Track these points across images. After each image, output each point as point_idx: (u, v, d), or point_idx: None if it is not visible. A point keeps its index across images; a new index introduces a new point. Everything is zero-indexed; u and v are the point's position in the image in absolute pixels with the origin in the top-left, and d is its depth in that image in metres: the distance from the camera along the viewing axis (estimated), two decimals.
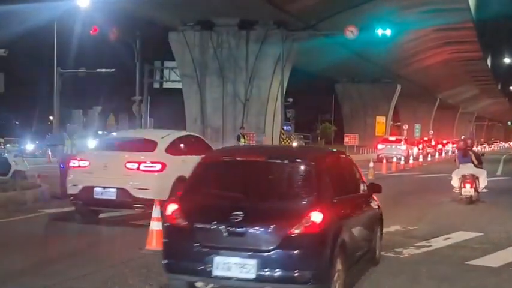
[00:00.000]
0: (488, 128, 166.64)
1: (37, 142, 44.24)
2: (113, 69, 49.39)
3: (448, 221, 14.31)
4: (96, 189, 12.56)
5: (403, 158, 41.92)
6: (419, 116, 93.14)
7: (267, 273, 6.75)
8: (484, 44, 66.61)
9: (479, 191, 18.19)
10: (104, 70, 50.01)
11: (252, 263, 6.75)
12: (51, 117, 55.91)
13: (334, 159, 8.69)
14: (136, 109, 43.98)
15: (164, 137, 13.83)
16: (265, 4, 35.00)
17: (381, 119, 64.43)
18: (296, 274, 6.78)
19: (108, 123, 56.75)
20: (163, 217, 7.80)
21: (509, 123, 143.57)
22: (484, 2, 54.12)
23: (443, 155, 61.91)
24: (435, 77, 77.72)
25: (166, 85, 49.37)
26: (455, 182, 18.35)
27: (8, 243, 10.42)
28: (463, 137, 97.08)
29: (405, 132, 74.14)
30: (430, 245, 10.94)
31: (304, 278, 6.79)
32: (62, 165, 16.51)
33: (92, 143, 43.51)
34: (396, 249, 10.39)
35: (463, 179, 17.95)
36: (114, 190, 12.47)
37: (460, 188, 17.97)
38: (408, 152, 47.56)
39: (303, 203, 7.13)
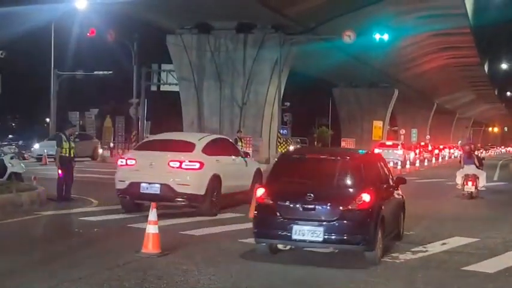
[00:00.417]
0: (484, 134, 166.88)
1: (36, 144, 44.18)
2: (110, 72, 49.42)
3: (444, 226, 14.32)
4: (143, 184, 14.28)
5: (399, 163, 42.00)
6: (416, 121, 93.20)
7: (331, 237, 9.53)
8: (482, 50, 66.70)
9: (479, 188, 21.22)
10: (101, 72, 50.06)
11: (320, 229, 9.54)
12: (47, 119, 55.86)
13: (373, 158, 12.20)
14: (133, 112, 43.94)
15: (200, 139, 15.75)
16: (263, 8, 35.00)
17: (378, 124, 64.44)
18: (351, 238, 9.53)
19: (104, 126, 56.75)
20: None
21: (505, 128, 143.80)
22: (481, 7, 54.22)
23: (440, 160, 62.00)
24: (432, 82, 77.81)
25: (163, 88, 49.31)
26: (459, 179, 21.53)
27: (3, 245, 10.40)
28: (459, 142, 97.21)
29: (402, 137, 74.19)
30: (426, 250, 10.95)
31: (357, 240, 9.55)
32: (61, 169, 16.47)
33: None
34: (392, 254, 10.39)
35: (466, 177, 21.08)
36: (158, 186, 14.18)
37: (463, 185, 21.10)
38: (405, 156, 47.58)
39: (356, 187, 9.94)
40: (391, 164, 40.27)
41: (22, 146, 37.71)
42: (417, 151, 59.38)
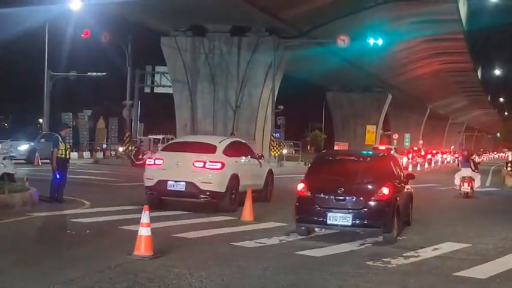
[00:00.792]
0: (477, 139, 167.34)
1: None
2: (104, 73, 49.36)
3: (436, 231, 14.35)
4: (169, 182, 15.87)
5: None
6: (409, 126, 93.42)
7: (357, 222, 12.07)
8: (475, 56, 66.97)
9: (474, 189, 24.23)
10: (94, 74, 49.99)
11: (349, 216, 12.09)
12: (40, 120, 55.74)
13: (389, 158, 14.61)
14: (126, 113, 43.89)
15: (221, 141, 17.39)
16: (258, 11, 35.03)
17: (371, 128, 64.57)
18: (373, 222, 12.10)
19: (98, 127, 56.66)
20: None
21: (498, 134, 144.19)
22: (475, 14, 54.39)
23: (432, 165, 62.13)
24: (426, 87, 78.02)
25: (157, 90, 49.32)
26: (456, 180, 24.44)
27: None
28: (452, 147, 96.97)
29: (395, 141, 74.34)
30: (418, 255, 10.95)
31: (378, 224, 12.11)
32: (57, 170, 16.39)
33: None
34: (384, 259, 10.39)
35: (463, 179, 24.10)
36: (183, 183, 15.79)
37: (460, 186, 24.12)
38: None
39: (377, 182, 12.48)
40: None
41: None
42: (410, 156, 59.52)
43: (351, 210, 12.24)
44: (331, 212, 12.27)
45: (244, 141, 19.65)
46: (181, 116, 41.88)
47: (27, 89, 62.04)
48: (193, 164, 15.91)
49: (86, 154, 47.78)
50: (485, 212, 19.92)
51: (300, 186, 12.82)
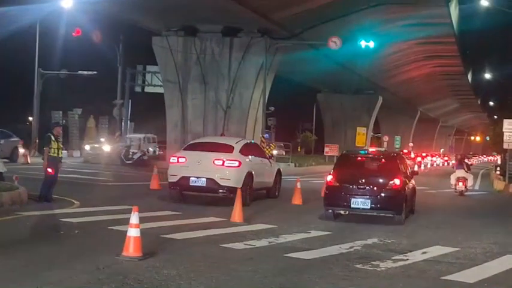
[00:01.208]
0: (467, 142, 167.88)
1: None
2: (95, 72, 49.21)
3: (425, 235, 14.40)
4: (192, 178, 17.70)
5: None
6: (399, 128, 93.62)
7: (375, 206, 15.71)
8: (466, 59, 67.21)
9: (467, 187, 28.26)
10: (85, 72, 49.82)
11: (368, 201, 15.69)
12: (30, 118, 55.51)
13: (398, 157, 18.42)
14: (117, 113, 43.84)
15: (237, 142, 19.48)
16: (250, 12, 35.00)
17: (361, 130, 64.60)
18: (387, 206, 15.80)
19: (88, 126, 56.45)
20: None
21: (487, 138, 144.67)
22: (466, 17, 54.62)
23: (422, 167, 62.29)
24: (416, 90, 78.21)
25: (148, 89, 49.22)
26: (452, 180, 28.60)
27: None
28: (442, 150, 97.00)
29: (385, 143, 74.47)
30: (407, 259, 10.98)
31: (391, 208, 15.80)
32: (50, 170, 16.33)
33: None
34: (373, 262, 10.42)
35: (457, 179, 28.21)
36: (204, 179, 17.63)
37: (455, 185, 28.23)
38: None
39: (390, 175, 16.10)
40: None
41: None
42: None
43: (369, 197, 15.86)
44: (354, 198, 15.85)
45: (257, 142, 22.10)
46: (171, 115, 41.79)
47: (17, 87, 61.79)
48: (213, 162, 17.78)
49: (76, 153, 47.60)
50: (474, 215, 20.03)
51: (329, 177, 16.48)
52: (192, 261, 9.68)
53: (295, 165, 47.73)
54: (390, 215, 16.00)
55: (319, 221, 15.75)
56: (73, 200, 16.69)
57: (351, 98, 70.64)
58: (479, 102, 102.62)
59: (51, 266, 8.97)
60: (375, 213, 16.11)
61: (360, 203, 15.76)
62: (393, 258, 10.96)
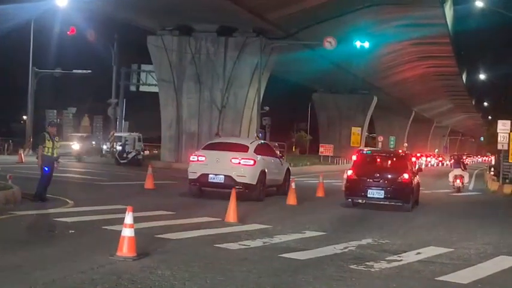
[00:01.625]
0: (461, 143, 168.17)
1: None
2: (90, 71, 49.15)
3: (419, 235, 14.41)
4: (210, 175, 19.45)
5: None
6: (394, 128, 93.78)
7: (387, 196, 19.21)
8: (460, 60, 67.34)
9: (463, 184, 32.29)
10: (80, 71, 49.75)
11: (382, 192, 19.19)
12: (24, 117, 55.42)
13: (407, 156, 22.23)
14: (111, 112, 43.77)
15: (251, 142, 21.44)
16: (245, 12, 35.02)
17: (356, 130, 64.72)
18: (398, 196, 19.32)
19: (82, 125, 56.44)
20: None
21: (481, 138, 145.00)
22: (461, 18, 54.73)
23: (416, 167, 62.21)
24: (411, 90, 78.34)
25: (142, 88, 49.19)
26: (450, 178, 32.26)
27: None
28: (436, 150, 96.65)
29: (380, 144, 74.57)
30: (401, 259, 10.97)
31: (401, 198, 19.29)
32: (46, 168, 16.27)
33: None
34: (367, 263, 10.41)
35: (455, 177, 31.91)
36: (222, 176, 19.37)
37: (453, 182, 31.83)
38: None
39: (401, 170, 19.67)
40: None
41: None
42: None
43: (383, 188, 19.43)
44: (370, 189, 19.47)
45: (268, 143, 23.95)
46: (166, 115, 41.77)
47: (12, 86, 61.65)
48: (230, 160, 19.51)
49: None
50: (468, 216, 20.06)
51: (349, 172, 20.12)
52: (186, 262, 9.65)
53: (290, 165, 47.67)
54: (400, 204, 19.65)
55: (313, 221, 15.75)
56: (67, 200, 16.65)
57: (346, 98, 70.75)
58: (473, 102, 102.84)
59: (45, 265, 8.94)
60: (387, 202, 19.76)
61: (375, 193, 19.43)
62: (387, 258, 10.96)
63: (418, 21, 45.20)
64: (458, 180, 31.59)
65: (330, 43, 37.04)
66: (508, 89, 63.36)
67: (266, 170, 20.33)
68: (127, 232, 9.55)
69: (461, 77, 76.75)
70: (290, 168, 24.30)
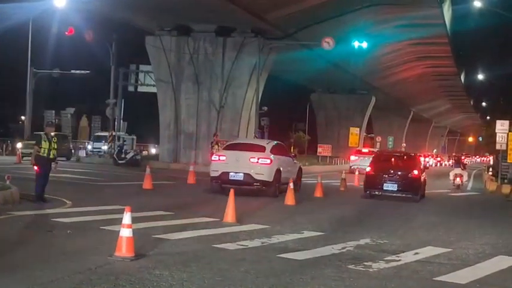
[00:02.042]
0: (459, 143, 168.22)
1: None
2: (88, 71, 49.13)
3: (417, 236, 14.41)
4: (231, 173, 21.10)
5: None
6: (392, 128, 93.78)
7: (400, 189, 23.25)
8: (458, 60, 67.37)
9: (463, 182, 35.24)
10: (78, 71, 49.72)
11: (395, 185, 23.23)
12: (22, 117, 55.38)
13: (416, 156, 27.58)
14: (109, 112, 43.73)
15: (268, 143, 22.98)
16: (243, 12, 35.00)
17: (354, 130, 64.68)
18: (409, 189, 23.37)
19: (80, 125, 56.36)
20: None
21: (480, 138, 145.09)
22: (459, 18, 54.75)
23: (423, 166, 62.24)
24: (410, 90, 78.35)
25: (140, 89, 49.17)
26: (451, 176, 35.30)
27: None
28: (435, 150, 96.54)
29: (378, 144, 74.55)
30: (399, 260, 10.97)
31: (411, 190, 23.42)
32: (35, 167, 16.25)
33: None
34: (365, 263, 10.41)
35: (455, 175, 34.87)
36: (242, 174, 21.03)
37: (453, 180, 34.76)
38: None
39: (411, 167, 23.96)
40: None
41: None
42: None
43: (396, 182, 23.29)
44: (386, 183, 23.30)
45: (282, 143, 25.30)
46: (165, 115, 41.76)
47: (10, 86, 61.58)
48: (249, 159, 21.09)
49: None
50: (466, 216, 20.06)
51: (368, 169, 24.37)
52: (184, 262, 9.65)
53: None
54: (410, 195, 23.45)
55: (312, 221, 15.75)
56: (65, 200, 16.63)
57: (344, 98, 70.77)
58: (471, 103, 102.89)
59: (43, 266, 8.93)
60: (399, 194, 23.46)
61: (390, 186, 23.25)
62: (385, 258, 10.96)
63: (417, 21, 45.23)
64: (458, 179, 34.53)
65: (328, 43, 37.04)
66: (507, 89, 63.42)
67: (281, 169, 21.86)
68: (125, 232, 9.54)
69: (460, 77, 76.78)
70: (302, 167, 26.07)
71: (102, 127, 54.33)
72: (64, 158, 38.41)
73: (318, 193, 23.27)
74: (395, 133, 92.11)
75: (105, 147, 46.12)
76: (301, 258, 10.57)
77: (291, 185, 20.01)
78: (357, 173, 36.12)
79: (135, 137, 43.74)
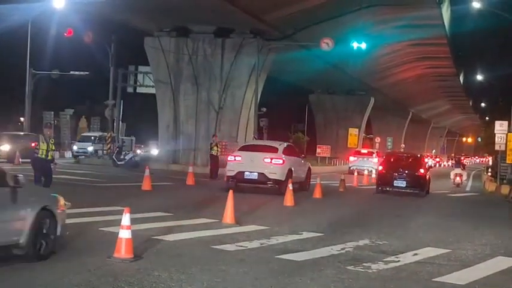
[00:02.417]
0: (458, 143, 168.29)
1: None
2: (87, 72, 49.07)
3: (416, 236, 14.40)
4: (246, 172, 22.62)
5: (374, 171, 42.08)
6: (391, 129, 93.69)
7: (408, 185, 26.88)
8: (457, 61, 67.38)
9: (462, 181, 38.49)
10: (77, 73, 49.67)
11: (404, 182, 26.91)
12: (21, 119, 55.35)
13: (422, 157, 33.04)
14: (108, 113, 43.70)
15: (280, 144, 24.43)
16: (242, 13, 34.98)
17: (353, 131, 64.61)
18: (416, 185, 27.05)
19: (79, 127, 56.29)
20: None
21: (479, 139, 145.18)
22: (458, 19, 54.76)
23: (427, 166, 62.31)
24: (408, 91, 78.33)
25: (139, 90, 49.08)
26: (452, 176, 38.72)
27: None
28: (433, 151, 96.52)
29: (377, 144, 74.51)
30: (399, 260, 10.97)
31: (418, 186, 27.08)
32: (39, 170, 16.21)
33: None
34: (365, 264, 10.41)
35: (456, 175, 38.09)
36: (256, 173, 22.54)
37: (454, 179, 37.97)
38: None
39: (418, 166, 28.00)
40: (366, 172, 40.48)
41: None
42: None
43: (405, 179, 26.71)
44: (396, 180, 26.73)
45: (292, 145, 27.62)
46: (163, 116, 41.72)
47: (8, 87, 61.56)
48: (263, 160, 22.64)
49: (68, 154, 47.46)
50: (465, 217, 20.07)
51: (380, 167, 28.60)
52: (184, 263, 9.64)
53: None
54: (417, 191, 26.75)
55: (311, 222, 15.75)
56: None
57: (343, 99, 70.76)
58: (470, 103, 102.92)
59: (42, 267, 8.92)
60: (407, 190, 26.83)
61: (399, 183, 26.74)
62: (385, 259, 10.95)
63: (416, 22, 45.22)
64: (458, 178, 37.85)
65: (327, 44, 37.03)
66: (506, 90, 63.43)
67: (292, 168, 23.32)
68: (124, 234, 9.53)
69: (459, 78, 76.79)
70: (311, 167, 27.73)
71: (101, 128, 54.28)
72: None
73: (317, 194, 23.27)
74: (394, 134, 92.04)
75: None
76: (300, 259, 10.57)
77: (290, 185, 20.01)
78: (355, 173, 36.10)
79: (134, 138, 43.70)
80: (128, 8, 36.11)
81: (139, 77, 48.17)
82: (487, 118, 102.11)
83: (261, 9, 35.55)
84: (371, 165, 45.83)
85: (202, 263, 9.74)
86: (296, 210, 18.48)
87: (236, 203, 14.96)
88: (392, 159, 29.74)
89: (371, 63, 53.74)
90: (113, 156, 39.25)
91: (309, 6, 35.97)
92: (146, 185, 22.12)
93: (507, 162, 34.44)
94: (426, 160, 69.33)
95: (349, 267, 10.06)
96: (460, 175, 37.99)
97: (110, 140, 43.40)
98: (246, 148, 24.60)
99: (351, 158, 49.80)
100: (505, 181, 34.78)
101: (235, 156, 23.34)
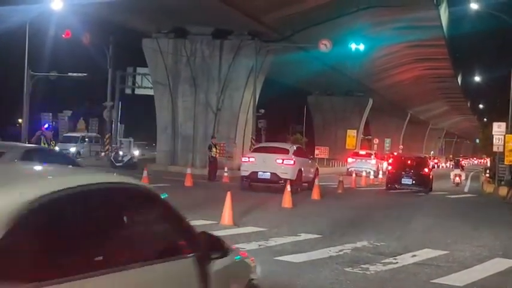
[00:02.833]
0: (456, 145, 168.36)
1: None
2: (85, 74, 49.02)
3: (414, 238, 14.40)
4: (259, 172, 24.42)
5: (372, 173, 42.11)
6: (390, 131, 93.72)
7: (414, 183, 31.31)
8: (455, 62, 67.44)
9: (461, 181, 41.18)
10: (75, 74, 49.61)
11: (411, 180, 31.26)
12: (19, 120, 55.31)
13: (427, 158, 40.60)
14: (107, 115, 43.70)
15: (291, 146, 26.58)
16: (240, 15, 34.98)
17: (351, 133, 64.67)
18: (422, 184, 31.28)
19: (78, 128, 56.22)
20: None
21: (477, 140, 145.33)
22: (456, 21, 54.80)
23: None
24: (407, 92, 78.35)
25: (138, 91, 49.07)
26: (451, 176, 41.59)
27: None
28: (432, 152, 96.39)
29: (375, 146, 74.55)
30: (397, 262, 10.97)
31: (423, 185, 31.24)
32: None
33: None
34: (363, 266, 10.40)
35: (455, 175, 41.04)
36: (269, 173, 24.31)
37: (453, 179, 40.82)
38: (378, 166, 47.78)
39: (423, 166, 32.69)
40: (364, 174, 40.46)
41: None
42: (390, 161, 59.61)
43: (411, 178, 30.51)
44: (403, 178, 30.60)
45: (302, 146, 29.82)
46: (162, 118, 41.69)
47: (7, 89, 61.49)
48: (275, 161, 24.30)
49: None
50: (464, 218, 20.05)
51: (389, 168, 32.88)
52: None
53: None
54: (421, 189, 30.45)
55: (309, 223, 15.74)
56: None
57: (341, 100, 70.76)
58: (469, 105, 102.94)
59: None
60: (414, 187, 30.66)
61: (407, 181, 30.75)
62: (383, 261, 10.95)
63: (414, 23, 45.26)
64: (457, 178, 40.83)
65: (325, 45, 37.04)
66: (503, 91, 63.41)
67: (302, 169, 25.06)
68: None
69: (457, 79, 76.83)
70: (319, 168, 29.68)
71: (100, 130, 54.25)
72: None
73: (315, 195, 23.26)
74: (393, 135, 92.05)
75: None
76: (298, 260, 10.56)
77: (288, 187, 20.00)
78: (354, 175, 36.11)
79: (132, 140, 43.65)
80: (126, 10, 36.09)
81: (138, 78, 48.16)
82: (485, 119, 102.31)
83: (259, 10, 35.55)
84: (369, 166, 45.83)
85: None
86: (294, 211, 18.47)
87: (234, 205, 14.94)
88: (399, 161, 34.34)
89: (369, 64, 53.76)
90: (111, 158, 39.24)
91: (307, 8, 35.98)
92: None
93: (505, 163, 34.45)
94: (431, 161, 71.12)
95: (347, 269, 10.06)
96: (459, 175, 41.11)
97: (108, 141, 43.38)
98: (259, 150, 26.52)
99: (349, 160, 49.81)
100: (503, 182, 34.81)
101: (249, 157, 25.26)
